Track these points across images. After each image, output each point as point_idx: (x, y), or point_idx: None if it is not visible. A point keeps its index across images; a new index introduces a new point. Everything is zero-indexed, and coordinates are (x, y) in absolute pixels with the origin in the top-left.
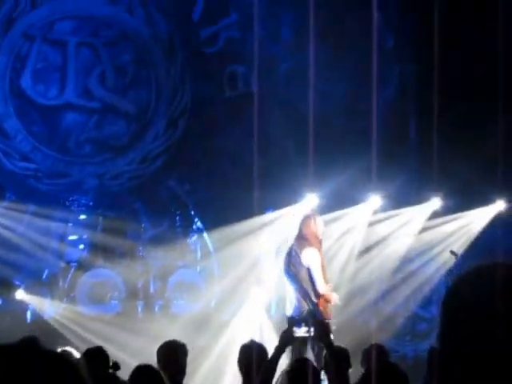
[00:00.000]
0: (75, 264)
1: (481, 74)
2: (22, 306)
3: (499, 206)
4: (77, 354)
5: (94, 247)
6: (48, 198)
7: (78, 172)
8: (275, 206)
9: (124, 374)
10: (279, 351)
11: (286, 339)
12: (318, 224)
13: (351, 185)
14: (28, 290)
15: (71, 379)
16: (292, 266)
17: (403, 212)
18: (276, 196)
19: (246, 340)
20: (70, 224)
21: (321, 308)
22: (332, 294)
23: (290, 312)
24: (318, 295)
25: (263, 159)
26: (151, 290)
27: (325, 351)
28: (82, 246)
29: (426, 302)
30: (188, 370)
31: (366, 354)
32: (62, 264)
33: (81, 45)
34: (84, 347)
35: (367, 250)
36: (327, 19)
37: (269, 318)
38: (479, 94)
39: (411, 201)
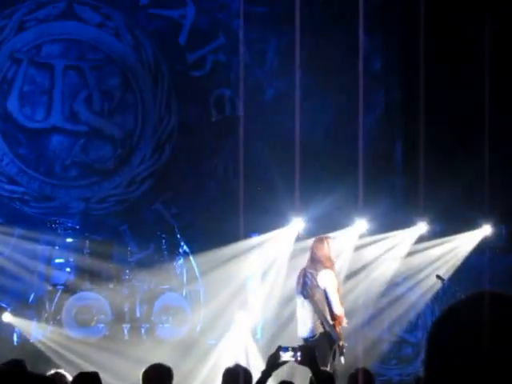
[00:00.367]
0: (62, 287)
1: (467, 99)
2: (9, 329)
3: (485, 230)
4: (69, 377)
5: (80, 270)
6: (35, 221)
7: (65, 195)
8: (261, 230)
9: None
10: (265, 375)
11: (273, 364)
12: (331, 246)
13: (337, 209)
14: (14, 313)
15: None
16: (308, 288)
17: (389, 236)
18: (262, 220)
19: (230, 364)
20: (57, 247)
21: (337, 329)
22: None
23: (304, 334)
24: (333, 317)
25: (249, 183)
26: (137, 313)
27: (310, 375)
28: (68, 269)
29: (412, 327)
30: None
31: (352, 379)
32: (49, 287)
33: (68, 68)
34: (71, 370)
35: (353, 274)
36: (313, 44)
37: (255, 341)
38: (465, 119)
39: (397, 225)
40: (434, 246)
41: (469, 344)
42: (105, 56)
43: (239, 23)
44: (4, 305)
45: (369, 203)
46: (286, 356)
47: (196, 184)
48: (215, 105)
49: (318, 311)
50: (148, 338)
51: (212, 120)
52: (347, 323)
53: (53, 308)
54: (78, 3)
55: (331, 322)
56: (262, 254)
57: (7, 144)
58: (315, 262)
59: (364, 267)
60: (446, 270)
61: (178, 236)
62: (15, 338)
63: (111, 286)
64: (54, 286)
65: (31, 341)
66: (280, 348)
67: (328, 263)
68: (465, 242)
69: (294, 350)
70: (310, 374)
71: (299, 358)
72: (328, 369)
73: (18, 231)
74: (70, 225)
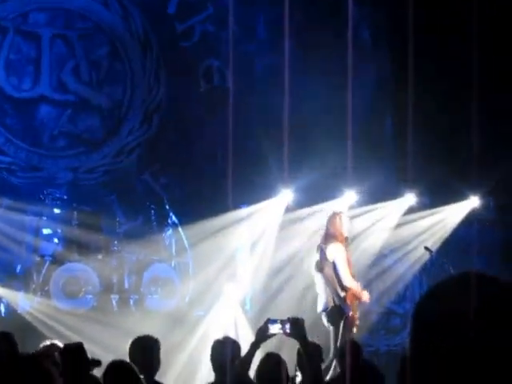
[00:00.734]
0: (49, 258)
1: (456, 70)
2: None
3: (473, 202)
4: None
5: (68, 241)
6: (22, 191)
7: (52, 166)
8: (250, 202)
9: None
10: (254, 348)
11: (262, 336)
12: (344, 222)
13: (327, 180)
14: (2, 284)
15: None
16: (319, 263)
17: (379, 207)
18: (251, 191)
19: (219, 336)
20: (45, 218)
21: (348, 302)
22: (362, 291)
23: (319, 307)
24: (344, 289)
25: (238, 154)
26: (126, 284)
27: (298, 347)
28: (56, 240)
29: (400, 298)
30: (162, 364)
31: (340, 350)
32: (36, 258)
33: (55, 37)
34: (59, 341)
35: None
36: (303, 17)
37: (243, 313)
38: (453, 91)
39: (387, 196)
40: (422, 218)
41: (454, 322)
42: (93, 25)
43: None
44: None
45: (359, 174)
46: (274, 328)
47: (185, 155)
48: (204, 75)
49: (328, 284)
50: (137, 310)
51: (200, 90)
52: (369, 299)
53: (40, 279)
54: None
55: (342, 295)
56: (250, 225)
57: None
58: (327, 236)
59: (353, 238)
60: (434, 241)
61: (167, 207)
62: (2, 309)
63: (99, 257)
64: (42, 256)
65: (19, 312)
66: (268, 320)
67: (340, 238)
68: (453, 214)
69: (283, 322)
70: (298, 346)
71: (288, 331)
72: (339, 341)
73: (5, 202)
74: (57, 195)
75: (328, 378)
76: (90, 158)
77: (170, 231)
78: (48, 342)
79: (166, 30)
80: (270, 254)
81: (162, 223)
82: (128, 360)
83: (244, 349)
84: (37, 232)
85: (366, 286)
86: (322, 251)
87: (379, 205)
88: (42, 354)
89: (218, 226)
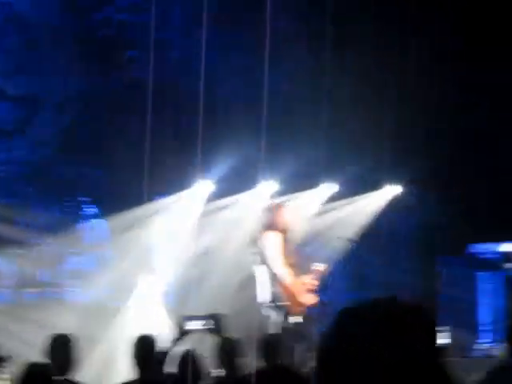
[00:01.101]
0: None
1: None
2: None
3: (395, 190)
4: None
5: None
6: None
7: None
8: (169, 192)
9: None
10: (174, 344)
11: (182, 332)
12: (283, 213)
13: (246, 170)
14: None
15: None
16: (256, 254)
17: (298, 196)
18: (168, 182)
19: (139, 330)
20: None
21: (281, 290)
22: (304, 292)
23: (260, 298)
24: (276, 278)
25: (157, 145)
26: (44, 277)
27: (217, 342)
28: None
29: (323, 287)
30: (79, 358)
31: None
32: None
33: None
34: None
35: None
36: (220, 5)
37: (163, 304)
38: (368, 81)
39: (306, 186)
40: (342, 206)
41: (359, 356)
42: (5, 15)
43: None
44: None
45: (277, 165)
46: (193, 324)
47: (103, 146)
48: (121, 65)
49: (264, 274)
50: (54, 303)
51: (117, 81)
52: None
53: None
54: None
55: (275, 284)
56: (170, 216)
57: None
58: (264, 227)
59: None
60: (355, 229)
61: (86, 198)
62: None
63: (16, 250)
64: None
65: None
66: (188, 317)
67: (279, 229)
68: (375, 201)
69: (202, 318)
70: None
71: (206, 327)
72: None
73: None
74: None
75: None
76: (2, 149)
77: (89, 223)
78: None
79: (82, 20)
80: (190, 244)
81: (81, 215)
82: (46, 357)
83: (164, 343)
84: None
85: None
86: (259, 241)
87: (299, 194)
88: None
89: (137, 217)
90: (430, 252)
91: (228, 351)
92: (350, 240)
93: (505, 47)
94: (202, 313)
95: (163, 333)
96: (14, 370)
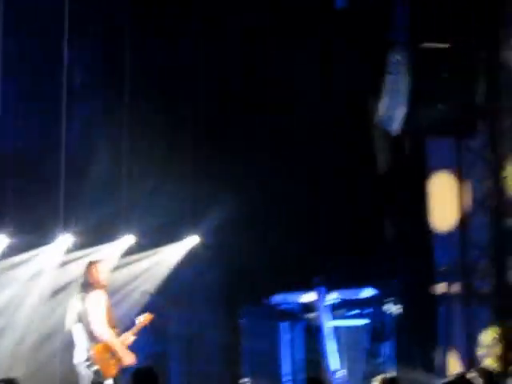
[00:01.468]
0: None
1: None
2: None
3: (192, 241)
4: None
5: None
6: None
7: None
8: None
9: None
10: None
11: None
12: (102, 270)
13: (44, 224)
14: None
15: None
16: (81, 312)
17: (97, 250)
18: None
19: None
20: None
21: (95, 355)
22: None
23: (77, 358)
24: (94, 338)
25: None
26: None
27: None
28: None
29: None
30: None
31: None
32: None
33: None
34: None
35: (58, 291)
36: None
37: None
38: (176, 130)
39: (105, 238)
40: (140, 259)
41: None
42: None
43: None
44: None
45: (75, 216)
46: None
47: None
48: None
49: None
50: None
51: None
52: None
53: None
54: None
55: (90, 346)
56: None
57: None
58: (86, 285)
59: (70, 283)
60: (154, 282)
61: None
62: None
63: None
64: None
65: None
66: None
67: (99, 286)
68: (172, 254)
69: None
70: None
71: None
72: None
73: None
74: None
75: None
76: None
77: None
78: None
79: None
80: None
81: None
82: None
83: None
84: None
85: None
86: (82, 301)
87: (97, 248)
88: None
89: None
90: (230, 303)
91: None
92: (150, 293)
93: None
94: None
95: None
96: None
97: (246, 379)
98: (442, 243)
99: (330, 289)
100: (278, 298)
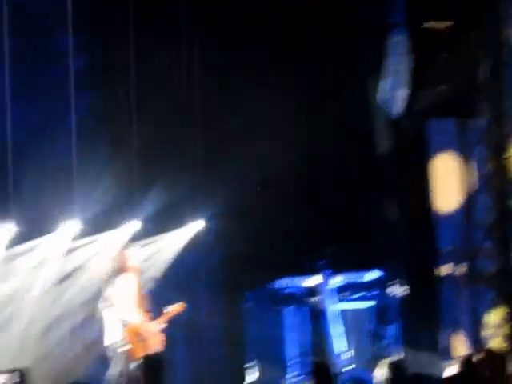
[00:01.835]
0: None
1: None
2: None
3: (196, 226)
4: None
5: None
6: None
7: None
8: None
9: None
10: None
11: None
12: (131, 255)
13: (49, 213)
14: None
15: None
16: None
17: (102, 236)
18: None
19: None
20: None
21: (126, 334)
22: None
23: (108, 340)
24: (123, 321)
25: None
26: None
27: None
28: None
29: None
30: None
31: None
32: None
33: None
34: None
35: (64, 278)
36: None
37: None
38: (175, 118)
39: (111, 224)
40: (146, 245)
41: None
42: None
43: None
44: None
45: (82, 203)
46: None
47: None
48: None
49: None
50: None
51: None
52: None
53: None
54: None
55: (121, 328)
56: None
57: None
58: (116, 270)
59: (76, 270)
60: (159, 268)
61: None
62: None
63: None
64: None
65: None
66: None
67: (128, 270)
68: (177, 239)
69: (7, 373)
70: None
71: (13, 381)
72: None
73: None
74: None
75: None
76: None
77: None
78: None
79: None
80: None
81: None
82: None
83: None
84: None
85: (91, 316)
86: (111, 285)
87: (103, 234)
88: None
89: None
90: (234, 288)
91: None
92: (155, 279)
93: None
94: (7, 363)
95: None
96: None
97: (251, 363)
98: (446, 225)
99: (334, 272)
100: (282, 283)
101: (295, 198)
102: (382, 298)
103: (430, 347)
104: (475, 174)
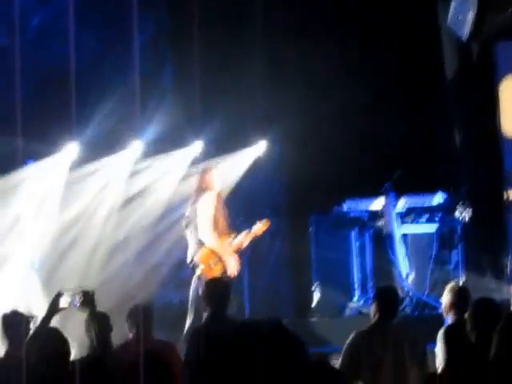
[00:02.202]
0: None
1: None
2: None
3: (260, 147)
4: None
5: None
6: None
7: None
8: (36, 157)
9: None
10: (45, 323)
11: (52, 310)
12: (214, 176)
13: (112, 133)
14: None
15: None
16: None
17: (164, 158)
18: (36, 146)
19: (9, 305)
20: None
21: (199, 258)
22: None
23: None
24: (201, 242)
25: (22, 111)
26: None
27: (86, 318)
28: None
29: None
30: None
31: (131, 315)
32: None
33: None
34: None
35: (130, 200)
36: None
37: (34, 273)
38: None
39: (172, 146)
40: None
41: None
42: None
43: None
44: None
45: (142, 127)
46: (64, 302)
47: None
48: None
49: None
50: None
51: None
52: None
53: None
54: None
55: (195, 249)
56: (37, 182)
57: None
58: (198, 191)
59: (140, 193)
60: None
61: None
62: None
63: None
64: None
65: None
66: (60, 294)
67: (210, 190)
68: (239, 161)
69: (73, 294)
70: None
71: (77, 304)
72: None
73: None
74: None
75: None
76: None
77: None
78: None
79: None
80: (57, 212)
81: None
82: None
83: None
84: None
85: (156, 239)
86: (192, 206)
87: (165, 155)
88: None
89: (2, 184)
90: (299, 212)
91: (99, 327)
92: None
93: None
94: (72, 286)
95: (34, 309)
96: None
97: (316, 287)
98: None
99: (398, 195)
100: (346, 206)
101: (360, 123)
102: (446, 222)
103: (495, 272)
104: None
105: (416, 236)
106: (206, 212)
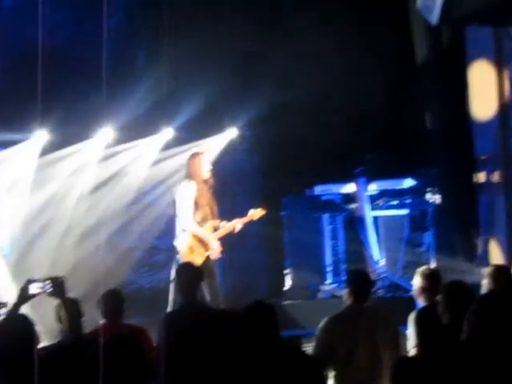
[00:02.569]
0: None
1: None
2: None
3: (231, 133)
4: None
5: None
6: None
7: None
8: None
9: None
10: (15, 309)
11: (23, 297)
12: (203, 162)
13: (84, 119)
14: None
15: None
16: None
17: (136, 144)
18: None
19: None
20: None
21: (181, 244)
22: (211, 240)
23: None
24: (182, 228)
25: None
26: None
27: (56, 305)
28: None
29: (162, 233)
30: None
31: (104, 301)
32: None
33: None
34: None
35: (101, 185)
36: None
37: (4, 258)
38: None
39: (143, 132)
40: (180, 153)
41: None
42: None
43: None
44: None
45: (115, 111)
46: (34, 288)
47: None
48: None
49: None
50: None
51: None
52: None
53: None
54: None
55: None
56: (6, 166)
57: None
58: (185, 176)
59: (111, 178)
60: None
61: None
62: None
63: None
64: None
65: None
66: (29, 281)
67: (197, 179)
68: (211, 147)
69: (44, 281)
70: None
71: (48, 290)
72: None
73: None
74: None
75: None
76: None
77: None
78: None
79: None
80: (28, 197)
81: None
82: None
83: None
84: None
85: (128, 223)
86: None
87: (137, 142)
88: None
89: None
90: (271, 195)
91: (70, 313)
92: None
93: None
94: (43, 271)
95: (4, 295)
96: None
97: (289, 269)
98: (482, 132)
99: (370, 179)
100: (319, 189)
101: (332, 106)
102: (418, 206)
103: (466, 254)
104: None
105: (388, 219)
106: (182, 200)
